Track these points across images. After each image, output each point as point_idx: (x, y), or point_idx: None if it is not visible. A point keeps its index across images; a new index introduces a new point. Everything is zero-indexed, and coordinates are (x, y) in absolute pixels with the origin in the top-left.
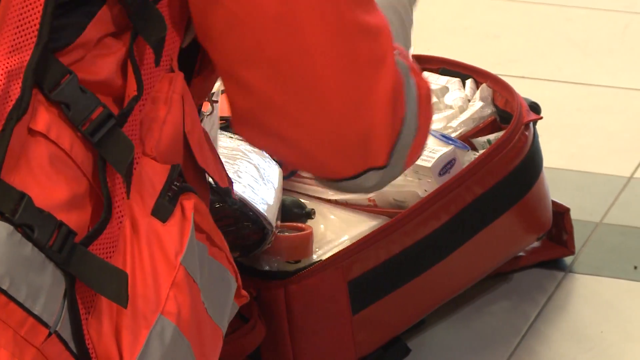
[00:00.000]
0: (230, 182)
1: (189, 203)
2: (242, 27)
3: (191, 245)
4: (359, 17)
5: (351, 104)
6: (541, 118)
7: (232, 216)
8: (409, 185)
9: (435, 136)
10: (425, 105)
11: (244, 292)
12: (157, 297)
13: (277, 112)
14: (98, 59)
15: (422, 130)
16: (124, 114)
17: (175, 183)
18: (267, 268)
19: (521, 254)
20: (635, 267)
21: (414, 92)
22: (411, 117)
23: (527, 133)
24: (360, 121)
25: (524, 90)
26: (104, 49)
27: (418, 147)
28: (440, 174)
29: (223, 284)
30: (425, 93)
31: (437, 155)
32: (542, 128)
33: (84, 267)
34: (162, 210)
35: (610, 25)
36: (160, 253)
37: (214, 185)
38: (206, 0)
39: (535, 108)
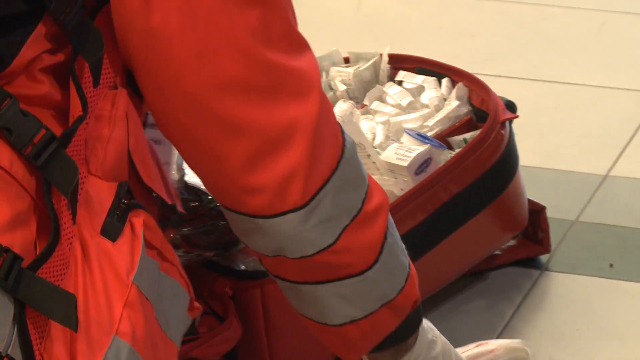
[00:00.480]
0: (177, 197)
1: (139, 220)
2: (157, 59)
3: (143, 262)
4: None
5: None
6: (517, 117)
7: (208, 215)
8: (386, 184)
9: (411, 135)
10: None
11: (196, 305)
12: (110, 318)
13: (191, 137)
14: (37, 74)
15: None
16: (67, 134)
17: (123, 201)
18: (243, 267)
19: (497, 252)
20: (611, 265)
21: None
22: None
23: (503, 132)
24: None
25: (500, 89)
26: (42, 63)
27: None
28: (416, 173)
29: (176, 299)
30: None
31: (413, 154)
32: (518, 127)
33: (32, 292)
34: (111, 229)
35: (586, 23)
36: (111, 273)
37: (187, 183)
38: (123, 25)
39: (511, 107)
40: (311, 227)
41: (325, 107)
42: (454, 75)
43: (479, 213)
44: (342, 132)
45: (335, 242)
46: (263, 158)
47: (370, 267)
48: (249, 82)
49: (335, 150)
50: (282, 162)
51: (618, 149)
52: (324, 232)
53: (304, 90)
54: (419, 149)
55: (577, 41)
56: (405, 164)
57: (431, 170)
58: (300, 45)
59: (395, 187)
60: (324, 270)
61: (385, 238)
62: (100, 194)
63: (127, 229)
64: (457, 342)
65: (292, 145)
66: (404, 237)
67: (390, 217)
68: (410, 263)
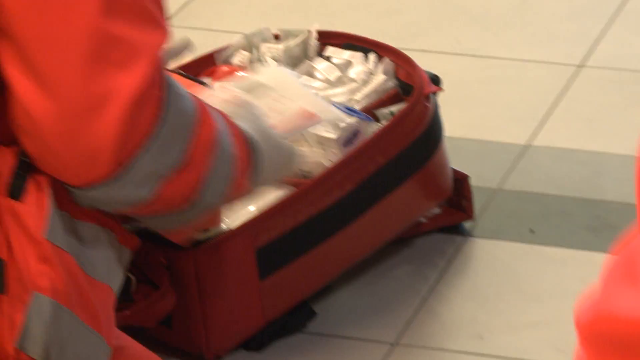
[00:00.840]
0: None
1: (44, 177)
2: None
3: (53, 217)
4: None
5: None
6: (441, 90)
7: None
8: (315, 156)
9: (339, 108)
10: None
11: (130, 236)
12: (29, 276)
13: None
14: None
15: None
16: None
17: (25, 160)
18: None
19: (422, 220)
20: (532, 231)
21: (228, 153)
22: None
23: (428, 104)
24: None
25: (425, 63)
26: None
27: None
28: (344, 145)
29: (98, 241)
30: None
31: (341, 127)
32: (442, 99)
33: None
34: (17, 190)
35: None
36: (23, 232)
37: None
38: None
39: (435, 80)
40: (123, 191)
41: (156, 80)
42: (381, 50)
43: (405, 182)
44: (172, 100)
45: (151, 196)
46: (72, 127)
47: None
48: (73, 43)
49: (152, 120)
50: (92, 133)
51: (538, 120)
52: (139, 189)
53: (129, 62)
54: (347, 121)
55: (500, 16)
56: (333, 136)
57: (359, 142)
58: (147, 20)
59: (324, 159)
60: (148, 212)
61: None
62: (2, 157)
63: (32, 186)
64: (385, 305)
65: (104, 115)
66: (333, 207)
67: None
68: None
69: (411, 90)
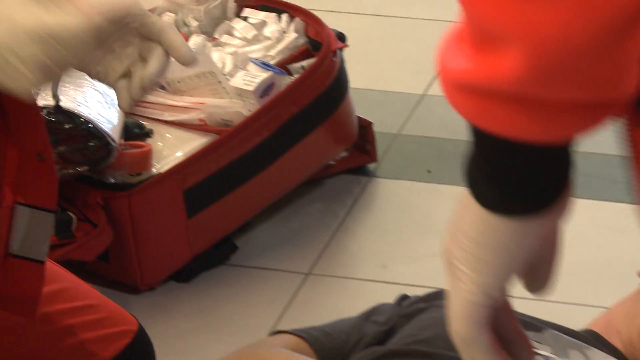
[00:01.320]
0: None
1: None
2: None
3: None
4: None
5: None
6: (347, 46)
7: (81, 135)
8: (235, 107)
9: (256, 64)
10: None
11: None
12: None
13: None
14: None
15: None
16: None
17: None
18: (112, 180)
19: (332, 162)
20: (429, 171)
21: None
22: None
23: (335, 59)
24: None
25: (332, 22)
26: None
27: None
28: (261, 96)
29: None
30: None
31: (258, 80)
32: (347, 54)
33: None
34: None
35: None
36: None
37: (62, 107)
38: None
39: (341, 37)
40: None
41: None
42: (292, 11)
43: (315, 129)
44: None
45: None
46: None
47: None
48: None
49: None
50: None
51: (433, 73)
52: None
53: None
54: (263, 75)
55: None
56: (251, 88)
57: (274, 93)
58: None
59: (243, 109)
60: None
61: None
62: None
63: None
64: (299, 239)
65: None
66: (252, 152)
67: None
68: None
69: (320, 47)
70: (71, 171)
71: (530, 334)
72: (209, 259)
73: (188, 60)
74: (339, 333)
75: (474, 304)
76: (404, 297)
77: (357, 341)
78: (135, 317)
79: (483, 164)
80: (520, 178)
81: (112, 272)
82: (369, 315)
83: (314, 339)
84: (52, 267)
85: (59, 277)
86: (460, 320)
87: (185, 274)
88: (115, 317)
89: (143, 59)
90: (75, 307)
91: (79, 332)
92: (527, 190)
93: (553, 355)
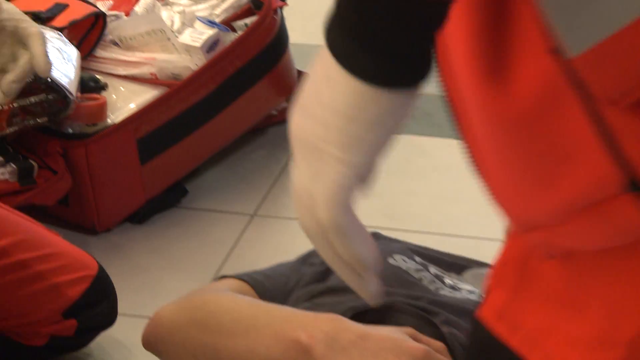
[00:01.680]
0: None
1: None
2: None
3: None
4: None
5: None
6: (286, 4)
7: (41, 89)
8: (183, 61)
9: (202, 21)
10: None
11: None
12: None
13: None
14: None
15: None
16: None
17: None
18: (70, 131)
19: (274, 112)
20: None
21: None
22: None
23: (275, 17)
24: None
25: None
26: None
27: None
28: (207, 52)
29: None
30: None
31: (204, 37)
32: (287, 12)
33: None
34: None
35: None
36: None
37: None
38: None
39: None
40: None
41: None
42: None
43: (258, 82)
44: None
45: None
46: None
47: None
48: None
49: None
50: None
51: None
52: None
53: None
54: (209, 32)
55: None
56: (198, 44)
57: (219, 49)
58: None
59: (191, 64)
60: None
61: None
62: None
63: None
64: (245, 183)
65: None
66: (201, 103)
67: None
68: None
69: (262, 5)
70: (32, 122)
71: (452, 275)
72: (162, 202)
73: (43, 72)
74: (279, 276)
75: (343, 187)
76: None
77: (297, 282)
78: (95, 259)
79: (362, 31)
80: (401, 45)
81: (71, 215)
82: (306, 258)
83: (255, 281)
84: (17, 219)
85: (22, 229)
86: (325, 205)
87: (140, 217)
88: (77, 263)
89: (15, 59)
90: (41, 255)
91: (48, 277)
92: (409, 59)
93: (471, 287)
